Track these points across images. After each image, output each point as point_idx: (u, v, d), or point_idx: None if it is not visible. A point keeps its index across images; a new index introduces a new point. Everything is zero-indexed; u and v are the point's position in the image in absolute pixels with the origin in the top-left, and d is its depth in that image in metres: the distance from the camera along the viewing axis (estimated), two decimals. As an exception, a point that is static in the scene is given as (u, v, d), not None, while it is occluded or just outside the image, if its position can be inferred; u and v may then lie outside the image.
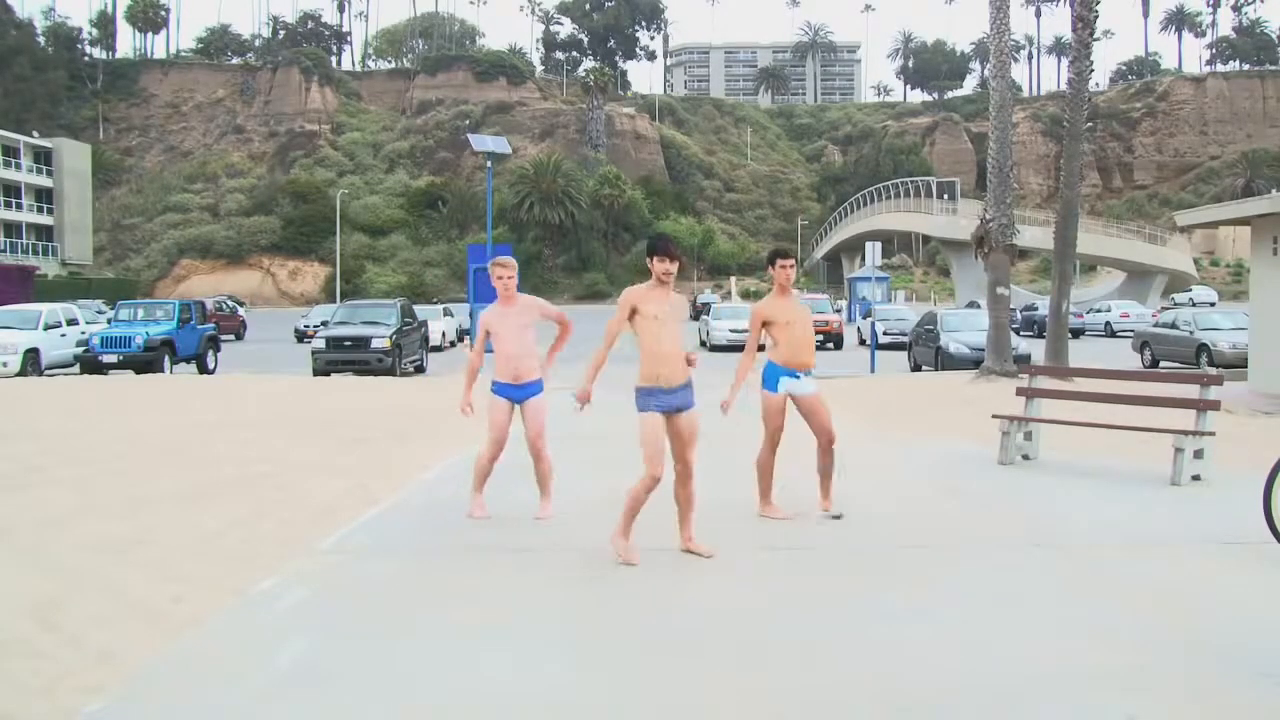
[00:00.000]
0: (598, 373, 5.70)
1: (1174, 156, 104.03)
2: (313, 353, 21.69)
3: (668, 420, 5.62)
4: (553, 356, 7.01)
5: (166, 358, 21.76)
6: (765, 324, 6.81)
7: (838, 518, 6.80)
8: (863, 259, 45.87)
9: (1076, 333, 34.42)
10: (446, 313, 34.89)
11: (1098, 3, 18.67)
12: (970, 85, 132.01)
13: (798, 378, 6.79)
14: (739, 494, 7.19)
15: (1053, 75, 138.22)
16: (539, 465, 6.93)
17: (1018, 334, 24.13)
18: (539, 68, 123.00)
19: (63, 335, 22.52)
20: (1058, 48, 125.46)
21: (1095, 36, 18.83)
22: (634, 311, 5.59)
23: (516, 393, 6.81)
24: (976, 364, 19.28)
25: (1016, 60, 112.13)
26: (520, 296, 6.86)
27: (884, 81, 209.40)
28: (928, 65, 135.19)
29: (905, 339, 25.61)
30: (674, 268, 5.62)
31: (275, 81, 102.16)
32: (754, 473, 6.99)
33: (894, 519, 6.94)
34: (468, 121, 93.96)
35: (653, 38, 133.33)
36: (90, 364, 21.28)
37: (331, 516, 6.99)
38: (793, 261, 6.87)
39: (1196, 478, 8.11)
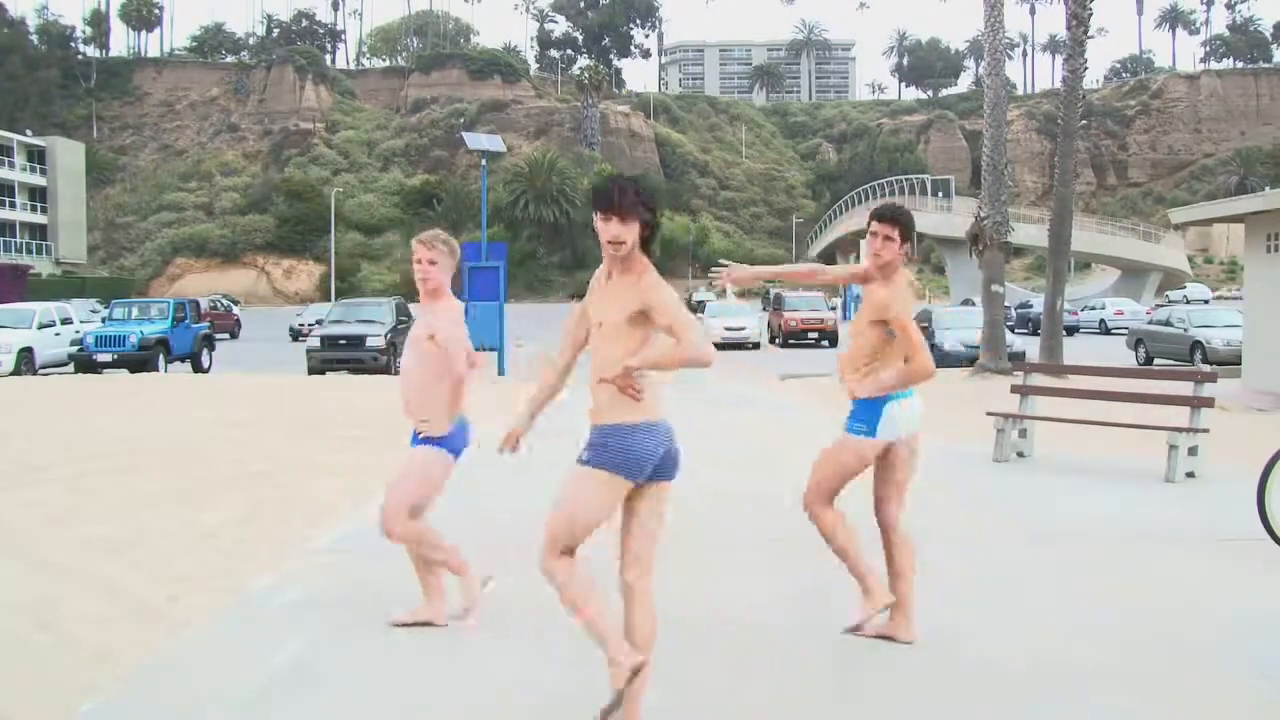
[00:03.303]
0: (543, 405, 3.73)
1: (1168, 154, 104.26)
2: (308, 351, 21.68)
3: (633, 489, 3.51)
4: (455, 405, 4.91)
5: (161, 357, 21.74)
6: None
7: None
8: (857, 257, 45.83)
9: (1071, 330, 34.53)
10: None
11: (1092, 0, 18.72)
12: (965, 83, 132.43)
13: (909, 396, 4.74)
14: (740, 484, 7.18)
15: (1047, 73, 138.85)
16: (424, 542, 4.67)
17: (1012, 331, 24.15)
18: (533, 66, 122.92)
19: (57, 334, 22.47)
20: (1052, 45, 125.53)
21: (1090, 34, 18.86)
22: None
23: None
24: (971, 361, 19.32)
25: (1011, 58, 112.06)
26: (449, 296, 4.73)
27: (879, 79, 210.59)
28: (922, 63, 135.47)
29: (900, 336, 25.61)
30: (628, 231, 3.27)
31: (269, 80, 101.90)
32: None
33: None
34: (462, 120, 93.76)
35: (647, 35, 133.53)
36: (85, 363, 21.26)
37: (328, 515, 6.98)
38: (888, 229, 4.42)
39: (1191, 475, 8.13)
